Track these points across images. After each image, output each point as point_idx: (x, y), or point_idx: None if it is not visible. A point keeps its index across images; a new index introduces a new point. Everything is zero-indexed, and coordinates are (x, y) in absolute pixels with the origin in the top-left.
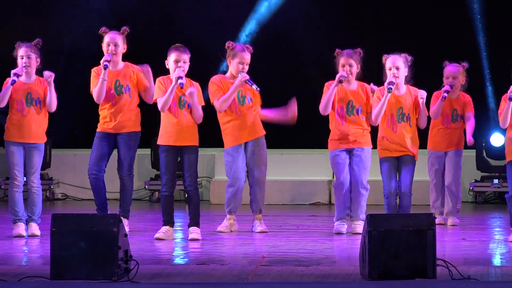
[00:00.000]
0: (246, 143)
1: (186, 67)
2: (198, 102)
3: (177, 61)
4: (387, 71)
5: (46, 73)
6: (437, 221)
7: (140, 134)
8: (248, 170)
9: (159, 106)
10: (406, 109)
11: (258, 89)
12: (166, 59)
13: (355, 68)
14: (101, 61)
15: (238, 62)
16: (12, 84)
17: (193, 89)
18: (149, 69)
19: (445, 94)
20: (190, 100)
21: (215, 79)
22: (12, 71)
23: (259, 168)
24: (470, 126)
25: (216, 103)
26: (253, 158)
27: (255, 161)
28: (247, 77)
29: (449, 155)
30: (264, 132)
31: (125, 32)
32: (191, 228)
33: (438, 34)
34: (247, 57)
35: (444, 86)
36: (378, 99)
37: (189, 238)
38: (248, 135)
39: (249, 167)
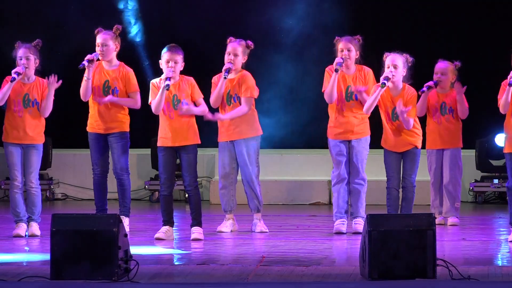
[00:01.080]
0: (234, 142)
1: (178, 67)
2: (198, 101)
3: (168, 62)
4: (386, 69)
5: (51, 79)
6: (437, 221)
7: (128, 134)
8: (239, 169)
9: (152, 109)
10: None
11: (226, 77)
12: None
13: (354, 53)
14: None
15: (227, 54)
16: (12, 81)
17: (185, 103)
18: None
19: (424, 89)
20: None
21: (214, 77)
22: (13, 70)
23: (248, 167)
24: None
25: (210, 101)
26: (241, 157)
27: (243, 161)
28: (227, 66)
29: (446, 154)
30: (255, 134)
31: (117, 31)
32: (193, 228)
33: (438, 34)
34: (235, 47)
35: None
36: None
37: (191, 238)
38: (233, 135)
39: (240, 166)
